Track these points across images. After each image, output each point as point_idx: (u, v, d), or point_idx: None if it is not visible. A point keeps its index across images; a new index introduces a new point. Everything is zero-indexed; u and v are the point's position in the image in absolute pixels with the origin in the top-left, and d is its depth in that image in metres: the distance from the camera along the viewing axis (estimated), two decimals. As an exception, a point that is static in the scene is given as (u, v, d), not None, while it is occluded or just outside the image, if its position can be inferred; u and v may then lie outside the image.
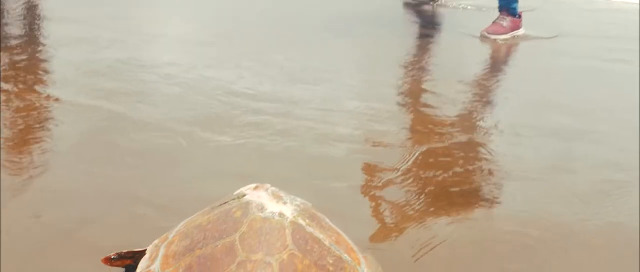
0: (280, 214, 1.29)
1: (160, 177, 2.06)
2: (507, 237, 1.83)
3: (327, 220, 1.41)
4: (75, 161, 2.14)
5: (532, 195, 2.09)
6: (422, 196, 2.04)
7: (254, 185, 1.45)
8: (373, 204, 1.99)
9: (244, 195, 1.38)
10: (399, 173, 2.19)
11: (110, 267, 1.48)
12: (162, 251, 1.32)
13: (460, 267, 1.69)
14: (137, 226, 1.74)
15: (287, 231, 1.26)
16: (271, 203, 1.33)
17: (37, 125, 2.39)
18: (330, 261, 1.26)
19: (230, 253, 1.21)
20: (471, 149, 2.45)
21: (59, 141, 2.29)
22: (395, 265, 1.66)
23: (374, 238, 1.79)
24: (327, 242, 1.30)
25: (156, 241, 1.38)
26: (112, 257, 1.47)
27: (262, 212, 1.29)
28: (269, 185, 1.42)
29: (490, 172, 2.25)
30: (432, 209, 1.96)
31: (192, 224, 1.34)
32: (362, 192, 2.05)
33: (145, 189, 1.95)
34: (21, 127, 2.36)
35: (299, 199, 1.40)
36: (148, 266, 1.30)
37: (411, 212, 1.93)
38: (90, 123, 2.44)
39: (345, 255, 1.31)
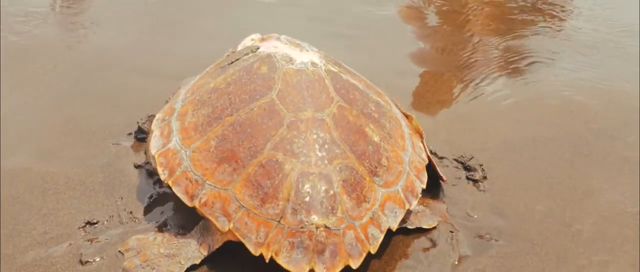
0: (313, 64, 1.13)
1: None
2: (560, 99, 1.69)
3: (345, 64, 1.27)
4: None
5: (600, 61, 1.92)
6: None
7: (256, 36, 1.26)
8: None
9: (257, 47, 1.18)
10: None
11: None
12: (176, 125, 1.11)
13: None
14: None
15: (327, 81, 1.11)
16: (295, 52, 1.15)
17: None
18: (373, 108, 1.14)
19: (272, 115, 1.05)
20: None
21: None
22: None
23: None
24: (362, 88, 1.17)
25: (160, 115, 1.16)
26: None
27: (292, 64, 1.11)
28: (276, 34, 1.23)
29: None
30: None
31: (203, 89, 1.14)
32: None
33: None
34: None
35: (311, 45, 1.23)
36: (164, 145, 1.10)
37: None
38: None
39: (379, 99, 1.20)
